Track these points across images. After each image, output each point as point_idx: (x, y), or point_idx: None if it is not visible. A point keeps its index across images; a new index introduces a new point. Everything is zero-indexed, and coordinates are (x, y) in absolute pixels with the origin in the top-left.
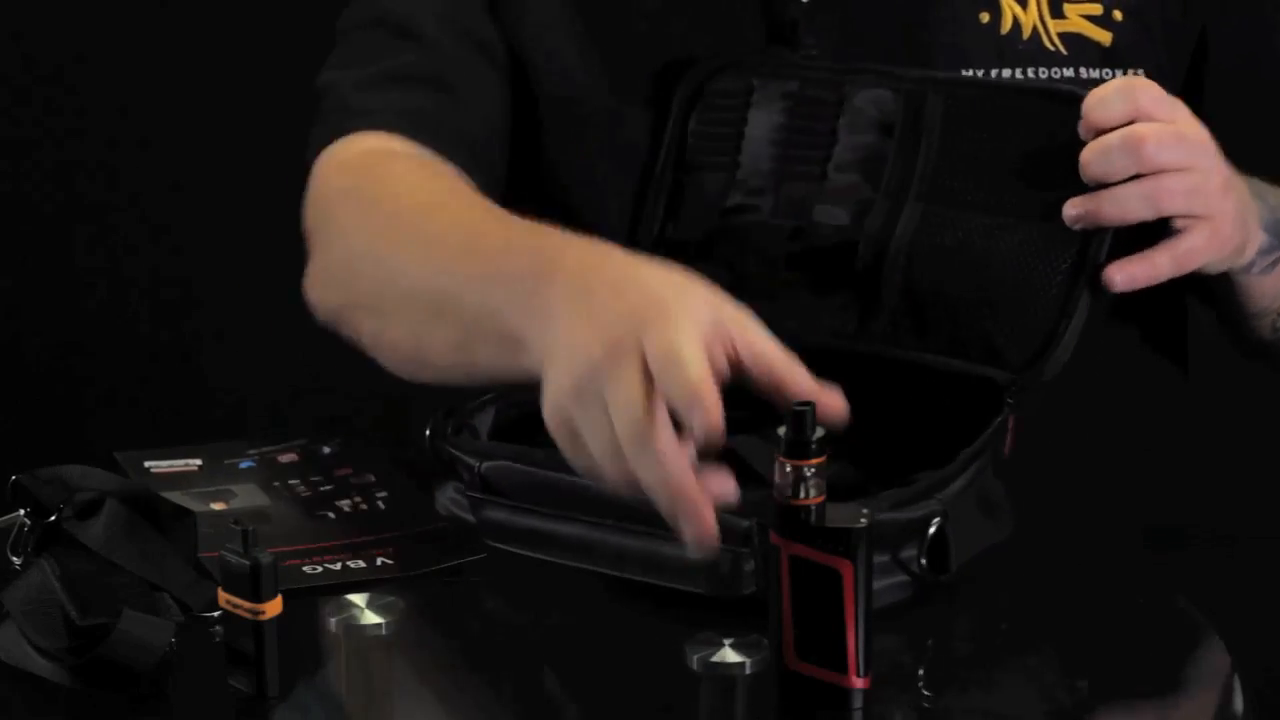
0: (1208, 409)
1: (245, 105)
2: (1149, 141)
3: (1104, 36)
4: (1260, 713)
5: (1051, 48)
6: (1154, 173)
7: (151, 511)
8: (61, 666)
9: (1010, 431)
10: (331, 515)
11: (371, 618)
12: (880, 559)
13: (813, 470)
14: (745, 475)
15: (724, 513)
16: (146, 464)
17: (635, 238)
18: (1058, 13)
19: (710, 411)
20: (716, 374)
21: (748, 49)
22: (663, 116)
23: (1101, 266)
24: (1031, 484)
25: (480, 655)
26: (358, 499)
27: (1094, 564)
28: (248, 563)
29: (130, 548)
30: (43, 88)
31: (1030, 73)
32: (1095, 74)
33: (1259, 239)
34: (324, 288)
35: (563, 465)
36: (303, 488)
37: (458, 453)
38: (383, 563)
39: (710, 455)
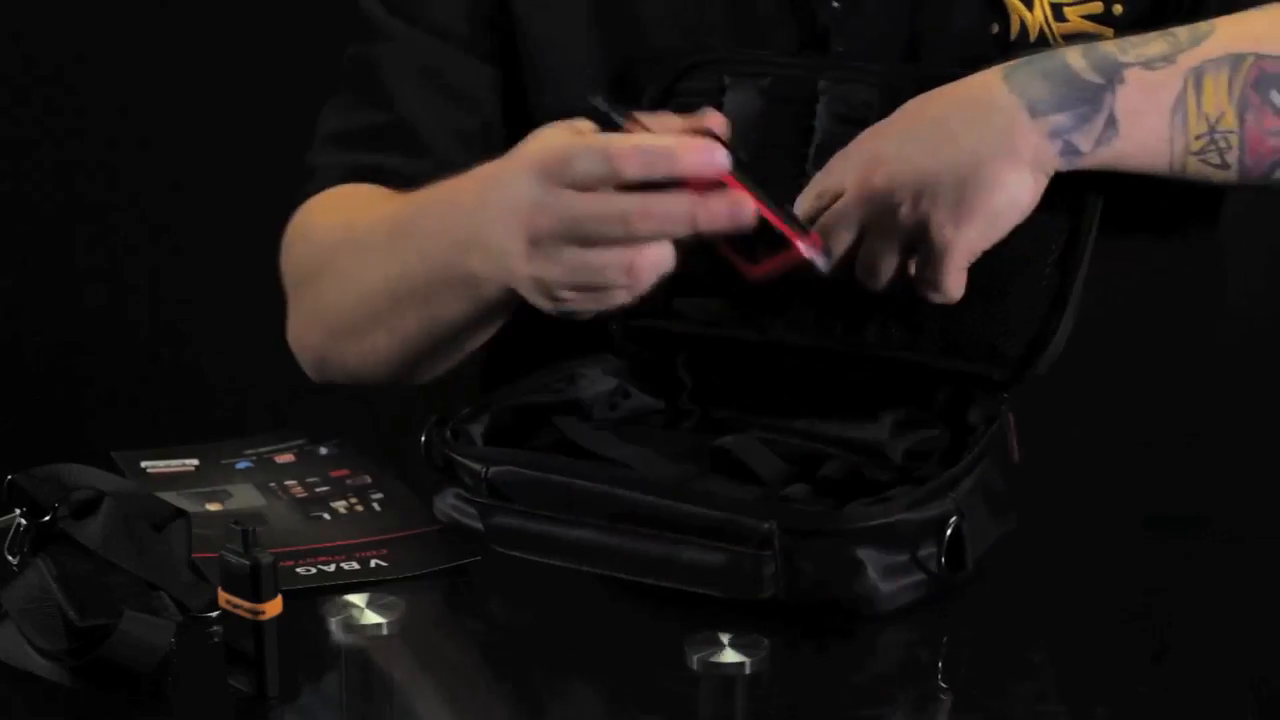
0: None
1: (245, 106)
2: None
3: (1107, 34)
4: (1262, 713)
5: None
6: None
7: (147, 511)
8: (61, 666)
9: (1012, 430)
10: (327, 516)
11: (371, 618)
12: (900, 558)
13: None
14: (743, 475)
15: (742, 516)
16: (143, 464)
17: None
18: (1059, 16)
19: (626, 146)
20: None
21: (717, 44)
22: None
23: (1085, 258)
24: (1036, 478)
25: (480, 655)
26: (353, 500)
27: (1097, 561)
28: (248, 563)
29: (129, 547)
30: (43, 88)
31: None
32: None
33: (1040, 129)
34: (305, 335)
35: (574, 469)
36: (299, 488)
37: (461, 458)
38: (377, 564)
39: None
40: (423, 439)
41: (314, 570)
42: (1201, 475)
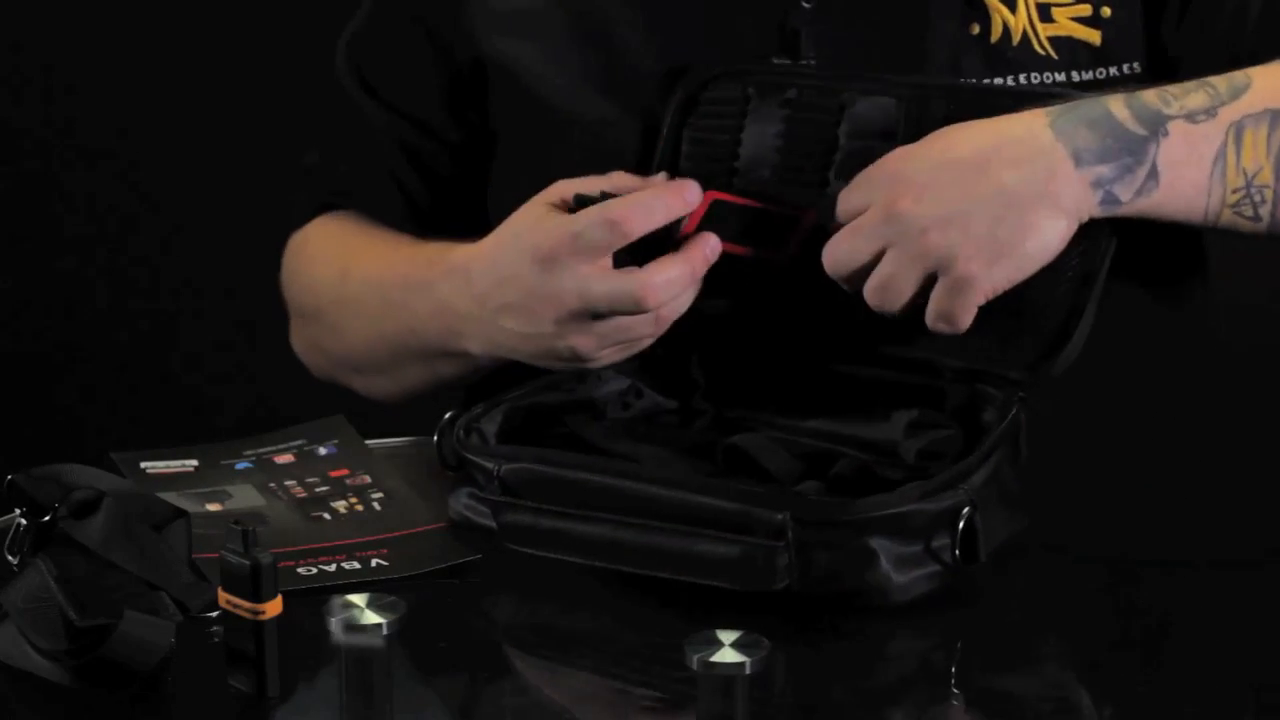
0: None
1: (246, 107)
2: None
3: (1093, 36)
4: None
5: (1042, 52)
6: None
7: (147, 511)
8: (61, 666)
9: (1022, 434)
10: (327, 516)
11: (371, 618)
12: (913, 549)
13: None
14: (753, 472)
15: (755, 507)
16: (143, 465)
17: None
18: (1046, 17)
19: (650, 286)
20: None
21: (744, 57)
22: (654, 126)
23: (1105, 264)
24: (1044, 480)
25: (480, 655)
26: (353, 500)
27: (1097, 561)
28: (248, 563)
29: (130, 547)
30: (43, 88)
31: (1022, 79)
32: (1088, 75)
33: (1084, 178)
34: (310, 358)
35: (587, 465)
36: (299, 488)
37: (473, 456)
38: (377, 564)
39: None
40: (435, 438)
41: (314, 570)
42: (1206, 476)
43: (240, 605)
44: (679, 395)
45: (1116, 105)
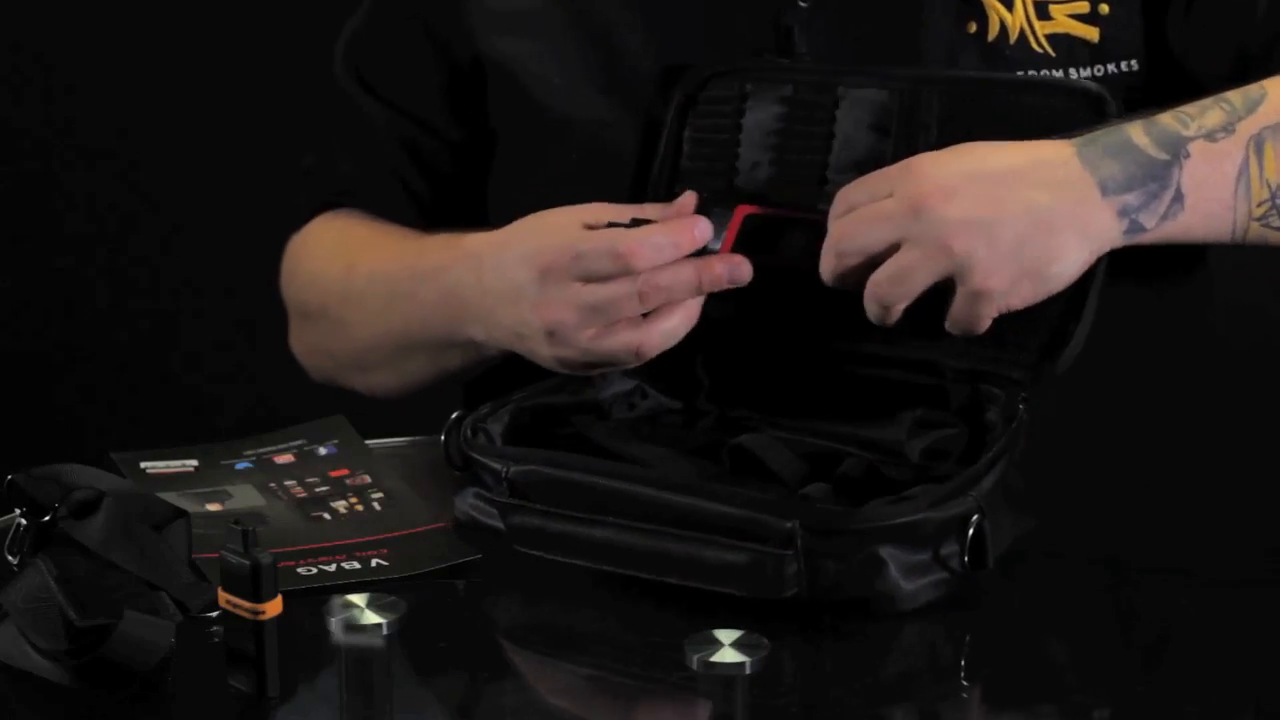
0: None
1: (247, 107)
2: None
3: (1091, 33)
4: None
5: (1039, 50)
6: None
7: (147, 511)
8: (61, 666)
9: (1026, 428)
10: (327, 516)
11: (371, 618)
12: (921, 556)
13: None
14: (759, 473)
15: (764, 515)
16: (143, 465)
17: None
18: (1044, 14)
19: (635, 244)
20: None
21: (741, 55)
22: (654, 125)
23: (1104, 264)
24: (1047, 481)
25: (480, 655)
26: (353, 500)
27: (1096, 562)
28: (248, 563)
29: (130, 547)
30: (43, 88)
31: (1019, 76)
32: (1086, 73)
33: (1111, 207)
34: (311, 360)
35: (596, 468)
36: (299, 488)
37: (481, 457)
38: (377, 564)
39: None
40: (443, 437)
41: (314, 570)
42: (1206, 474)
43: (240, 605)
44: (683, 396)
45: (1136, 132)
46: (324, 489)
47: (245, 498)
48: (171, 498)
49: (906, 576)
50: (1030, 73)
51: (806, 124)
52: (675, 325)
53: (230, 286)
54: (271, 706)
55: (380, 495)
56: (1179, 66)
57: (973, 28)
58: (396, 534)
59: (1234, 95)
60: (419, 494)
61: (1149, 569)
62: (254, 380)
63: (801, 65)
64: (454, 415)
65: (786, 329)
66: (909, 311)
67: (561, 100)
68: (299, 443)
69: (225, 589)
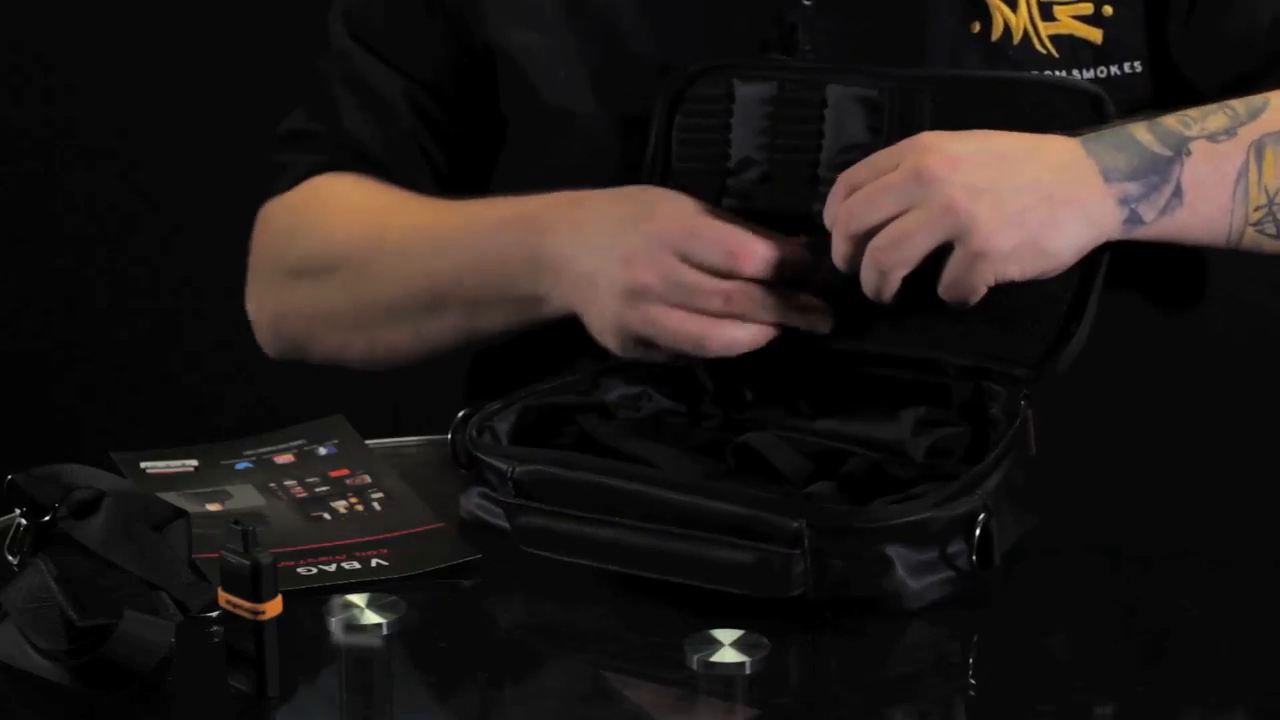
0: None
1: (247, 106)
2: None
3: (1095, 35)
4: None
5: (1043, 51)
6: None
7: (147, 511)
8: (61, 666)
9: (1030, 431)
10: (327, 516)
11: (371, 618)
12: (928, 555)
13: None
14: (763, 471)
15: (771, 514)
16: (143, 465)
17: None
18: (1048, 15)
19: (750, 248)
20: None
21: (744, 52)
22: (642, 123)
23: (1105, 261)
24: (1049, 479)
25: (480, 655)
26: (353, 500)
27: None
28: (248, 563)
29: (130, 547)
30: (43, 88)
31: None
32: (1089, 74)
33: (1112, 194)
34: (289, 321)
35: (602, 468)
36: (299, 488)
37: (487, 457)
38: (377, 564)
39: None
40: (449, 436)
41: (314, 570)
42: (1207, 471)
43: (240, 605)
44: (687, 400)
45: (1139, 129)
46: (324, 489)
47: (245, 498)
48: (171, 498)
49: (913, 575)
50: (1033, 73)
51: (796, 122)
52: (743, 338)
53: (230, 286)
54: (271, 706)
55: (380, 495)
56: (1180, 72)
57: (976, 27)
58: (396, 534)
59: (1237, 102)
60: (419, 494)
61: (1150, 566)
62: (254, 380)
63: (790, 63)
64: (460, 414)
65: (790, 329)
66: (909, 306)
67: (564, 94)
68: (299, 443)
69: (225, 589)
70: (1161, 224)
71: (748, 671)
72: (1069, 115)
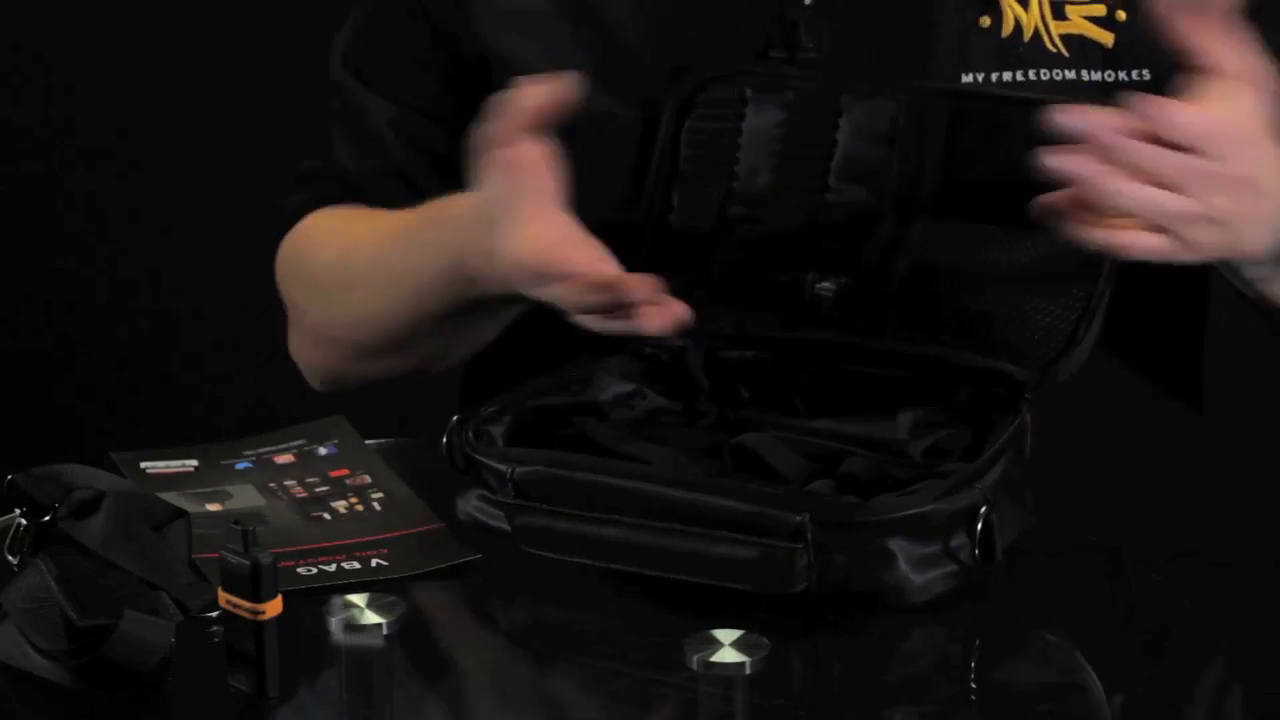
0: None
1: (246, 105)
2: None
3: (1106, 38)
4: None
5: (1053, 49)
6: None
7: (147, 511)
8: (61, 666)
9: (1028, 433)
10: (327, 516)
11: (371, 618)
12: (931, 549)
13: None
14: (761, 471)
15: (774, 509)
16: (143, 465)
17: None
18: (1059, 14)
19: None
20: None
21: (745, 51)
22: (654, 120)
23: (1113, 273)
24: (1051, 482)
25: (480, 655)
26: (353, 500)
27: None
28: (248, 563)
29: (130, 547)
30: (43, 88)
31: (1031, 75)
32: (1097, 76)
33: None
34: (314, 355)
35: (601, 467)
36: (299, 488)
37: (485, 459)
38: (377, 564)
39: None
40: (444, 440)
41: (314, 570)
42: (1210, 472)
43: (240, 605)
44: (683, 398)
45: None
46: (324, 489)
47: (245, 498)
48: (171, 498)
49: (916, 569)
50: (1042, 71)
51: (808, 131)
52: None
53: (230, 286)
54: (271, 706)
55: (380, 495)
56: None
57: (986, 22)
58: (396, 534)
59: None
60: (419, 494)
61: (1150, 566)
62: (254, 380)
63: (804, 73)
64: (455, 418)
65: (787, 328)
66: (918, 304)
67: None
68: (299, 443)
69: (225, 589)
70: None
71: (748, 671)
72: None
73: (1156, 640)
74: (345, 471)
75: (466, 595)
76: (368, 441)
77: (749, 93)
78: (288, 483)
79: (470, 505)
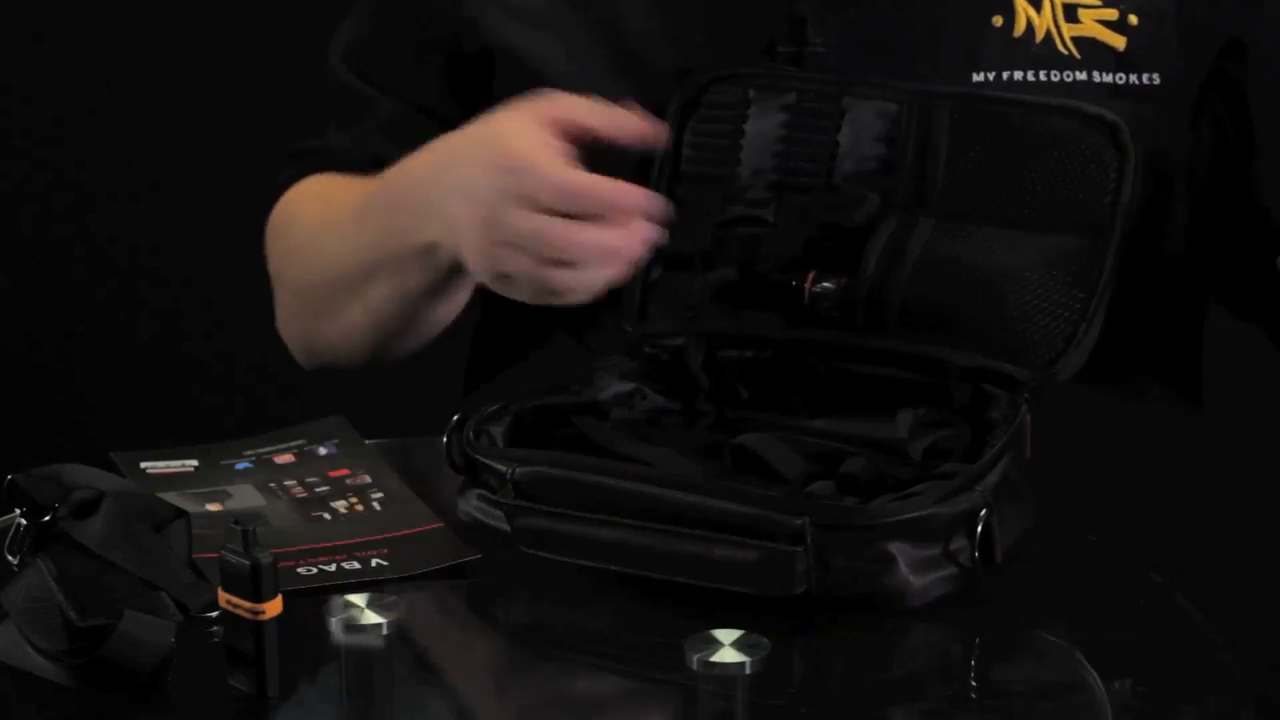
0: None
1: (248, 105)
2: None
3: (1118, 41)
4: (1261, 715)
5: (1065, 51)
6: None
7: (147, 511)
8: (61, 666)
9: (1027, 434)
10: (327, 516)
11: (371, 618)
12: (931, 552)
13: None
14: (761, 472)
15: (774, 512)
16: (143, 465)
17: None
18: (1072, 17)
19: (587, 189)
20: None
21: (753, 46)
22: (661, 114)
23: (1113, 274)
24: (1051, 482)
25: (480, 655)
26: (353, 500)
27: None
28: (248, 563)
29: (130, 547)
30: (45, 90)
31: (1042, 75)
32: (1108, 79)
33: None
34: (290, 321)
35: (602, 469)
36: (299, 488)
37: (485, 459)
38: (377, 564)
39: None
40: (444, 440)
41: (314, 570)
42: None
43: (240, 605)
44: (682, 398)
45: None
46: (324, 489)
47: (245, 498)
48: (171, 498)
49: (916, 572)
50: (1053, 72)
51: (811, 133)
52: (596, 283)
53: (231, 286)
54: (271, 706)
55: (380, 495)
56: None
57: (998, 21)
58: (396, 534)
59: None
60: (419, 494)
61: (1150, 566)
62: (254, 380)
63: (806, 75)
64: (455, 417)
65: (787, 328)
66: (920, 303)
67: (570, 88)
68: (299, 443)
69: (225, 589)
70: None
71: (748, 671)
72: (1088, 140)
73: (1156, 640)
74: (345, 471)
75: (466, 595)
76: (368, 441)
77: (752, 94)
78: (288, 483)
79: (470, 505)
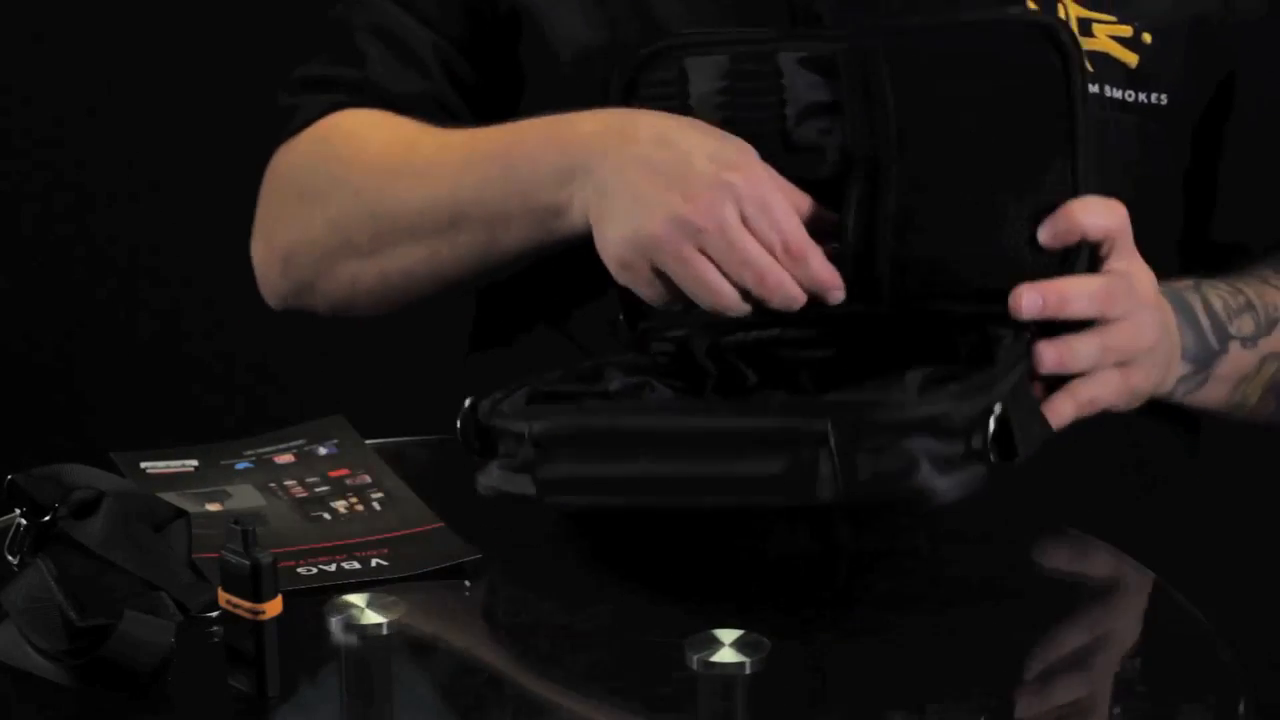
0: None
1: (249, 105)
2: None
3: (1130, 58)
4: (1261, 714)
5: None
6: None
7: (147, 511)
8: (61, 666)
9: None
10: (327, 516)
11: (371, 618)
12: (954, 449)
13: None
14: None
15: (799, 416)
16: (143, 465)
17: None
18: (1086, 31)
19: (796, 223)
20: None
21: (775, 19)
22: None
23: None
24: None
25: (480, 655)
26: (353, 500)
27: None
28: (248, 563)
29: (130, 547)
30: (44, 90)
31: None
32: (1118, 94)
33: (1178, 371)
34: (298, 252)
35: (621, 408)
36: (299, 488)
37: (503, 423)
38: (377, 564)
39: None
40: (458, 424)
41: (314, 570)
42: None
43: (240, 605)
44: (691, 388)
45: (1201, 311)
46: (324, 489)
47: (245, 498)
48: (171, 498)
49: (940, 470)
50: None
51: (753, 95)
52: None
53: (231, 286)
54: (271, 706)
55: (380, 495)
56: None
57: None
58: (396, 534)
59: (1259, 305)
60: (419, 494)
61: (1150, 566)
62: (254, 380)
63: (734, 32)
64: (468, 401)
65: (763, 312)
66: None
67: (586, 55)
68: (299, 443)
69: (225, 589)
70: (1178, 398)
71: (748, 671)
72: (1026, 54)
73: (1156, 640)
74: (345, 471)
75: (466, 595)
76: (368, 441)
77: (687, 63)
78: (288, 483)
79: (492, 478)
